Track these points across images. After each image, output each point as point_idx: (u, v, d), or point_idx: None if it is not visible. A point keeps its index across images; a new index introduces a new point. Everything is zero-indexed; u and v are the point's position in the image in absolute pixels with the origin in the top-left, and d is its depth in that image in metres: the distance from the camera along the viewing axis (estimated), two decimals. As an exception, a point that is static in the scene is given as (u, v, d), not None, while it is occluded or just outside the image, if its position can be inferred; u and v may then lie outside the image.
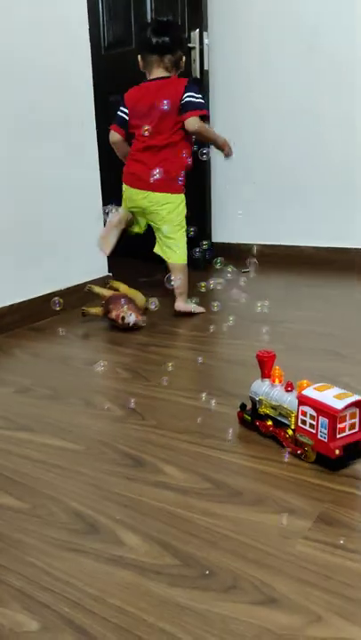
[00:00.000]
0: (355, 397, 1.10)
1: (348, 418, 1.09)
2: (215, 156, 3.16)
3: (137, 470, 1.13)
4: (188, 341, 1.97)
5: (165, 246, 2.25)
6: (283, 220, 3.15)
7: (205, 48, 2.87)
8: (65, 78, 2.26)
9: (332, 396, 1.11)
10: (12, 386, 1.61)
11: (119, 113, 2.30)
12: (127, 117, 2.27)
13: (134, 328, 2.01)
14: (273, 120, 3.07)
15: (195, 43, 2.86)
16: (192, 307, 2.21)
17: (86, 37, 2.35)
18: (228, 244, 3.31)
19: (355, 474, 1.07)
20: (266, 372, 1.28)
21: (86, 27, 2.34)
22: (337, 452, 1.07)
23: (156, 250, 2.29)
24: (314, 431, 1.11)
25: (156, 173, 2.06)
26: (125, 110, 2.28)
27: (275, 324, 2.02)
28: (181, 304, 2.22)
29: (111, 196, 2.68)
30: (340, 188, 2.94)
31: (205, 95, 2.94)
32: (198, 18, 2.83)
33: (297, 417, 1.15)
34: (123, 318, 1.98)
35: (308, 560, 0.85)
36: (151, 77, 2.26)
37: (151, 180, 2.08)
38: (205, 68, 2.91)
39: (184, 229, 2.25)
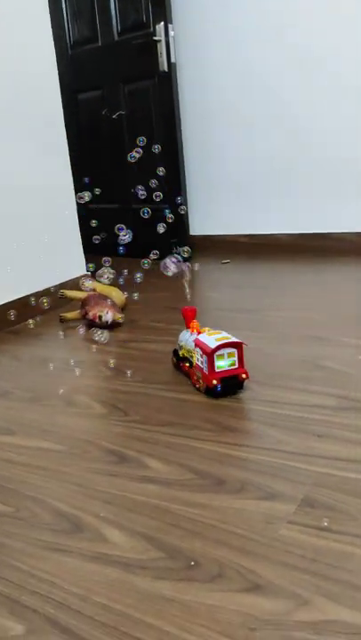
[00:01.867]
0: (230, 340, 1.37)
1: (225, 356, 1.36)
2: (188, 151, 3.18)
3: (120, 466, 1.12)
4: (169, 335, 1.96)
5: None
6: (258, 210, 3.15)
7: (171, 40, 2.85)
8: (31, 78, 2.24)
9: (213, 339, 1.38)
10: (-7, 390, 1.59)
11: None
12: None
13: (113, 326, 2.00)
14: (244, 110, 3.06)
15: (160, 36, 2.84)
16: None
17: (49, 35, 2.32)
18: (205, 236, 3.31)
19: (336, 455, 1.07)
20: (187, 324, 1.54)
21: (48, 24, 2.31)
22: (214, 382, 1.34)
23: None
24: (202, 367, 1.38)
25: None
26: None
27: (256, 312, 2.03)
28: None
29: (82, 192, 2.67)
30: (313, 176, 2.94)
31: (173, 88, 2.94)
32: (162, 10, 2.81)
33: (195, 355, 1.44)
34: (100, 317, 1.97)
35: (292, 544, 0.84)
36: None
37: None
38: (172, 60, 2.89)
39: None
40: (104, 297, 2.06)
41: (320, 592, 0.75)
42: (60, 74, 2.41)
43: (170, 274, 1.62)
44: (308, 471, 1.03)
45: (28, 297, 2.20)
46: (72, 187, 2.48)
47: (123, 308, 2.17)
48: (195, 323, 1.53)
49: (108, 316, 1.97)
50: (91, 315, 1.99)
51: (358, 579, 0.77)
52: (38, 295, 2.25)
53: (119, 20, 3.02)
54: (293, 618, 0.72)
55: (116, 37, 3.07)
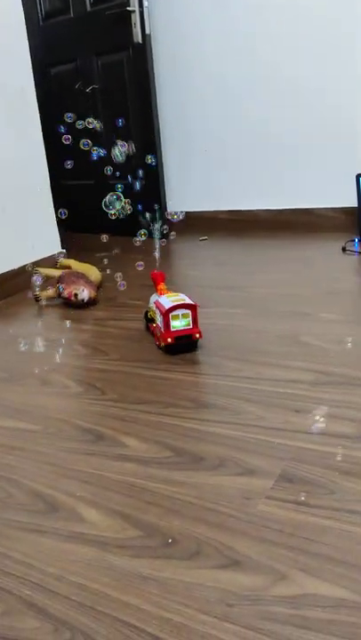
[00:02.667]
0: (185, 302, 1.49)
1: (180, 317, 1.48)
2: (165, 125, 3.12)
3: (97, 445, 1.11)
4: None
5: None
6: (238, 186, 3.12)
7: (145, 11, 2.79)
8: (0, 51, 2.17)
9: (170, 301, 1.50)
10: (-33, 371, 1.56)
11: None
12: None
13: (89, 304, 1.97)
14: (222, 82, 3.01)
15: (134, 6, 2.77)
16: None
17: (19, 5, 2.24)
18: (183, 212, 3.27)
19: (310, 429, 1.06)
20: (156, 288, 1.64)
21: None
22: (169, 340, 1.48)
23: None
24: (161, 326, 1.50)
25: None
26: None
27: (238, 289, 2.02)
28: None
29: (55, 168, 2.62)
30: (293, 150, 2.91)
31: (148, 60, 2.87)
32: (135, -20, 2.74)
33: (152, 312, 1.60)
34: (75, 295, 1.94)
35: (270, 519, 0.84)
36: None
37: None
38: (147, 32, 2.83)
39: None
40: (79, 274, 2.03)
41: (298, 566, 0.75)
42: (31, 46, 2.34)
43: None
44: (286, 446, 1.02)
45: (1, 275, 2.17)
46: (45, 162, 2.42)
47: (99, 286, 2.14)
48: (161, 285, 1.64)
49: (84, 293, 1.94)
50: (66, 293, 1.96)
51: (336, 552, 0.76)
52: (13, 274, 2.21)
53: (91, -11, 2.94)
54: (271, 593, 0.71)
55: (88, 8, 2.98)
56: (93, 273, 2.13)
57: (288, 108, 2.86)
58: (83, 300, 1.94)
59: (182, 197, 3.30)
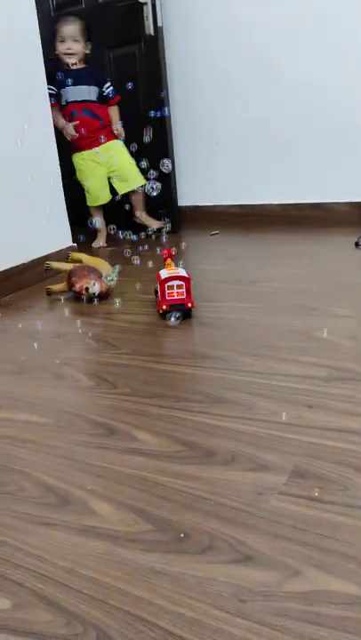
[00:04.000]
0: (179, 274, 1.71)
1: (174, 288, 1.69)
2: (176, 119, 3.12)
3: (109, 439, 1.11)
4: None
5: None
6: (249, 180, 3.11)
7: (157, 3, 2.77)
8: (11, 45, 2.16)
9: (167, 273, 1.72)
10: (-22, 364, 1.56)
11: None
12: None
13: (100, 298, 1.97)
14: (234, 75, 2.98)
15: (146, -2, 2.75)
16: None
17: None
18: (194, 207, 3.26)
19: (327, 425, 1.06)
20: (165, 262, 1.81)
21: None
22: (164, 307, 1.70)
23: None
24: (159, 295, 1.73)
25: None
26: None
27: (249, 283, 2.01)
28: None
29: (68, 162, 2.62)
30: (305, 144, 2.89)
31: (160, 53, 2.86)
32: (147, -28, 2.72)
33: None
34: (87, 289, 1.93)
35: (283, 515, 0.83)
36: None
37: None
38: (159, 24, 2.81)
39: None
40: (91, 268, 2.03)
41: (311, 562, 0.74)
42: (42, 39, 2.33)
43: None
44: (298, 442, 1.02)
45: (12, 269, 2.17)
46: (56, 156, 2.42)
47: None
48: (168, 261, 1.81)
49: (96, 287, 1.94)
50: (77, 287, 1.96)
51: (349, 548, 0.76)
52: (24, 268, 2.21)
53: (103, -19, 2.93)
54: (284, 589, 0.71)
55: (100, 0, 2.97)
56: (104, 267, 2.12)
57: (299, 102, 2.83)
58: (94, 294, 1.94)
59: (193, 192, 3.28)
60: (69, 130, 2.81)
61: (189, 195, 3.29)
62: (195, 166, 3.24)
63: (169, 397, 1.25)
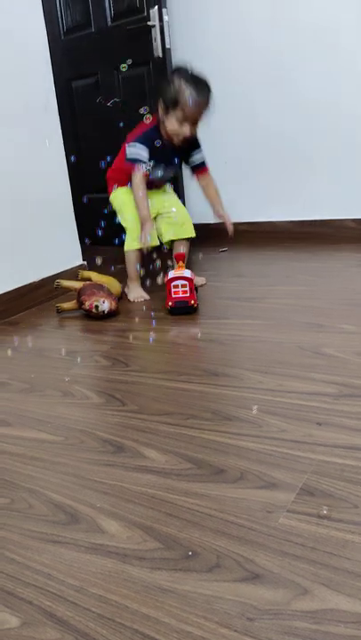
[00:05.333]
0: (184, 274, 1.91)
1: (179, 287, 1.90)
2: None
3: (117, 456, 1.11)
4: (167, 324, 1.94)
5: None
6: (257, 198, 3.12)
7: (165, 25, 2.82)
8: (24, 65, 2.20)
9: (173, 273, 1.92)
10: (-11, 382, 1.58)
11: None
12: None
13: (110, 316, 1.98)
14: (243, 96, 3.01)
15: (154, 20, 2.80)
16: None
17: (41, 20, 2.28)
18: (203, 224, 3.28)
19: (336, 443, 1.05)
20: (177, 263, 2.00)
21: (40, 10, 2.27)
22: (170, 304, 1.91)
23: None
24: (166, 293, 1.93)
25: None
26: None
27: (258, 300, 2.01)
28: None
29: (78, 182, 2.64)
30: (308, 161, 2.91)
31: (169, 74, 2.89)
32: (156, -5, 2.77)
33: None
34: (96, 307, 1.95)
35: (292, 533, 0.83)
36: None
37: None
38: (167, 46, 2.85)
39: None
40: (100, 286, 2.04)
41: (320, 581, 0.74)
42: (53, 60, 2.37)
43: None
44: (307, 459, 1.01)
45: (23, 287, 2.19)
46: (66, 175, 2.45)
47: (119, 298, 2.15)
48: (180, 264, 1.97)
49: (105, 305, 1.95)
50: (87, 304, 1.97)
51: (358, 567, 0.75)
52: (35, 286, 2.24)
53: (112, 4, 2.98)
54: (292, 607, 0.70)
55: (109, 23, 3.02)
56: (114, 285, 2.14)
57: (305, 119, 2.86)
58: (103, 312, 1.96)
59: (201, 210, 3.30)
60: (145, 238, 2.13)
61: (198, 212, 3.30)
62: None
63: (178, 415, 1.25)
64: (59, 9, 3.21)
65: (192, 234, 2.35)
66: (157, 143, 2.13)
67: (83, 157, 3.24)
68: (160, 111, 2.12)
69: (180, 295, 1.90)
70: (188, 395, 1.35)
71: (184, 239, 2.33)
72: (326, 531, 0.83)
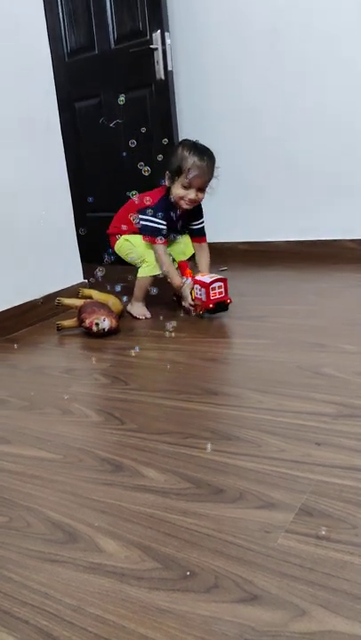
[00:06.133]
0: (217, 277, 2.06)
1: (216, 288, 2.05)
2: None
3: (116, 475, 1.11)
4: (167, 342, 1.95)
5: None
6: (255, 217, 3.15)
7: (168, 49, 2.86)
8: (28, 86, 2.23)
9: (208, 277, 2.09)
10: (-12, 399, 1.58)
11: None
12: None
13: (110, 334, 1.99)
14: (243, 118, 3.06)
15: (157, 44, 2.85)
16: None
17: (45, 41, 2.32)
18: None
19: (334, 463, 1.05)
20: (182, 273, 2.19)
21: (45, 32, 2.31)
22: (211, 305, 2.06)
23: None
24: (201, 297, 2.08)
25: None
26: None
27: (259, 319, 2.02)
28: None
29: (79, 200, 2.66)
30: (309, 181, 2.93)
31: (170, 96, 2.94)
32: (158, 18, 2.83)
33: (193, 291, 2.14)
34: (97, 325, 1.95)
35: (290, 553, 0.83)
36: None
37: None
38: (169, 68, 2.90)
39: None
40: (101, 304, 2.05)
41: (318, 602, 0.74)
42: (56, 82, 2.41)
43: None
44: (306, 479, 1.01)
45: (25, 305, 2.20)
46: (69, 195, 2.47)
47: (120, 316, 2.16)
48: (188, 270, 2.17)
49: (105, 323, 1.96)
50: (87, 322, 1.98)
51: (357, 588, 0.75)
52: (34, 303, 2.24)
53: (116, 28, 3.03)
54: (291, 629, 0.70)
55: (112, 46, 3.08)
56: (114, 303, 2.15)
57: (306, 138, 2.89)
58: (103, 330, 1.96)
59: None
60: (187, 301, 2.18)
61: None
62: (204, 204, 3.29)
63: (176, 434, 1.25)
64: (63, 31, 3.27)
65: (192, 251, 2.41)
66: (172, 213, 2.20)
67: (85, 177, 3.27)
68: (167, 181, 2.19)
69: (218, 297, 2.05)
70: (187, 414, 1.35)
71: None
72: (325, 551, 0.82)
